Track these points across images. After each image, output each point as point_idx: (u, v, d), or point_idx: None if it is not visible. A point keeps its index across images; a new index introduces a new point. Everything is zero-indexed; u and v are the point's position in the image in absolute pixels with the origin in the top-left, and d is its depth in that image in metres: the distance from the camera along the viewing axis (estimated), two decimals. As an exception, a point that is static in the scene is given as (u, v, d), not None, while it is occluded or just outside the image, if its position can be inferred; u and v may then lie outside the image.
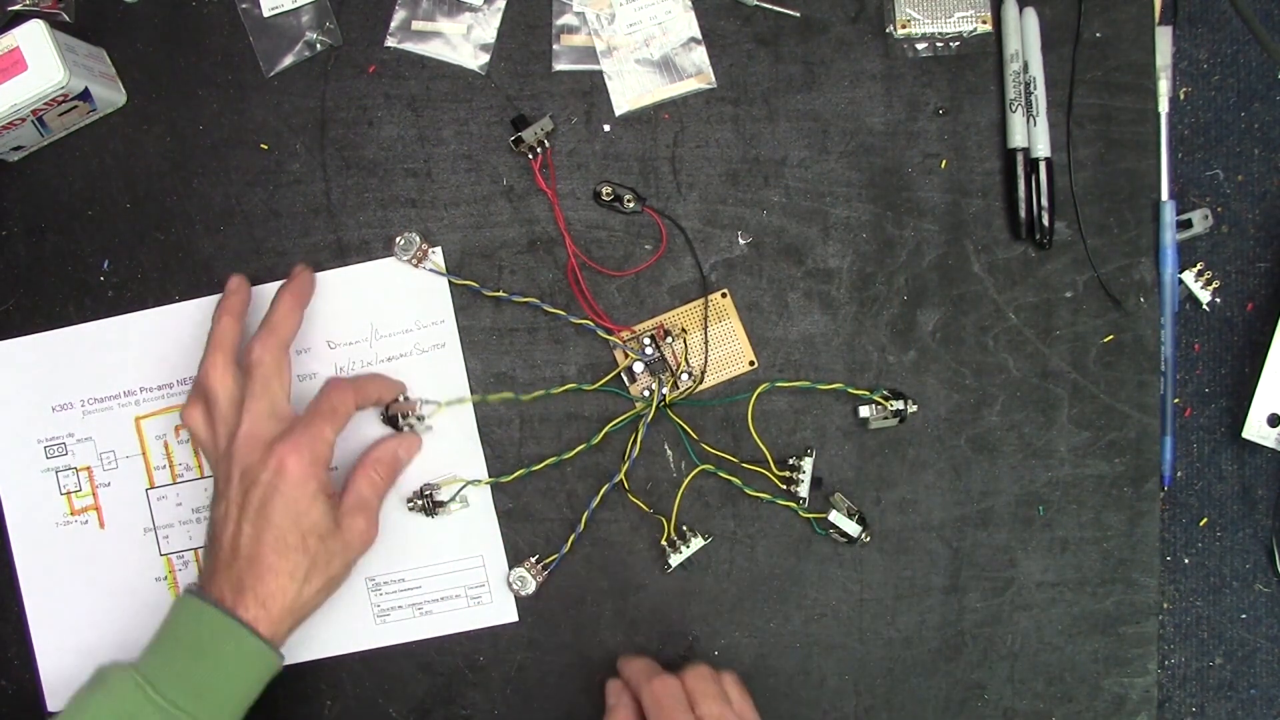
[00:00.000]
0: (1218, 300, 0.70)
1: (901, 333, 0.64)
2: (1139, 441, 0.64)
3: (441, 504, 0.63)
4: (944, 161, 0.64)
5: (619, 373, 0.63)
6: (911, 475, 0.64)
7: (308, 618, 0.58)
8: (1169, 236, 0.65)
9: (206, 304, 0.64)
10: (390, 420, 0.63)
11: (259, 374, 0.58)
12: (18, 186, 0.65)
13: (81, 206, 0.65)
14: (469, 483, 0.63)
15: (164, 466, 0.65)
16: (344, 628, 0.64)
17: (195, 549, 0.65)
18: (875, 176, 0.64)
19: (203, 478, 0.65)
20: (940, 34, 0.63)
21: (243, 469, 0.56)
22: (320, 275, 0.64)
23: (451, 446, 0.64)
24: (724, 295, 0.64)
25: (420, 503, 0.63)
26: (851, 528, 0.62)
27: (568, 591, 0.64)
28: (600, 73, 0.64)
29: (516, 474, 0.63)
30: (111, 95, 0.63)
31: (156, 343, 0.64)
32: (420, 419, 0.63)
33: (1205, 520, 0.70)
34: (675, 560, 0.63)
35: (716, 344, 0.64)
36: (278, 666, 0.56)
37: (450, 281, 0.64)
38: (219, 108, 0.65)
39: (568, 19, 0.64)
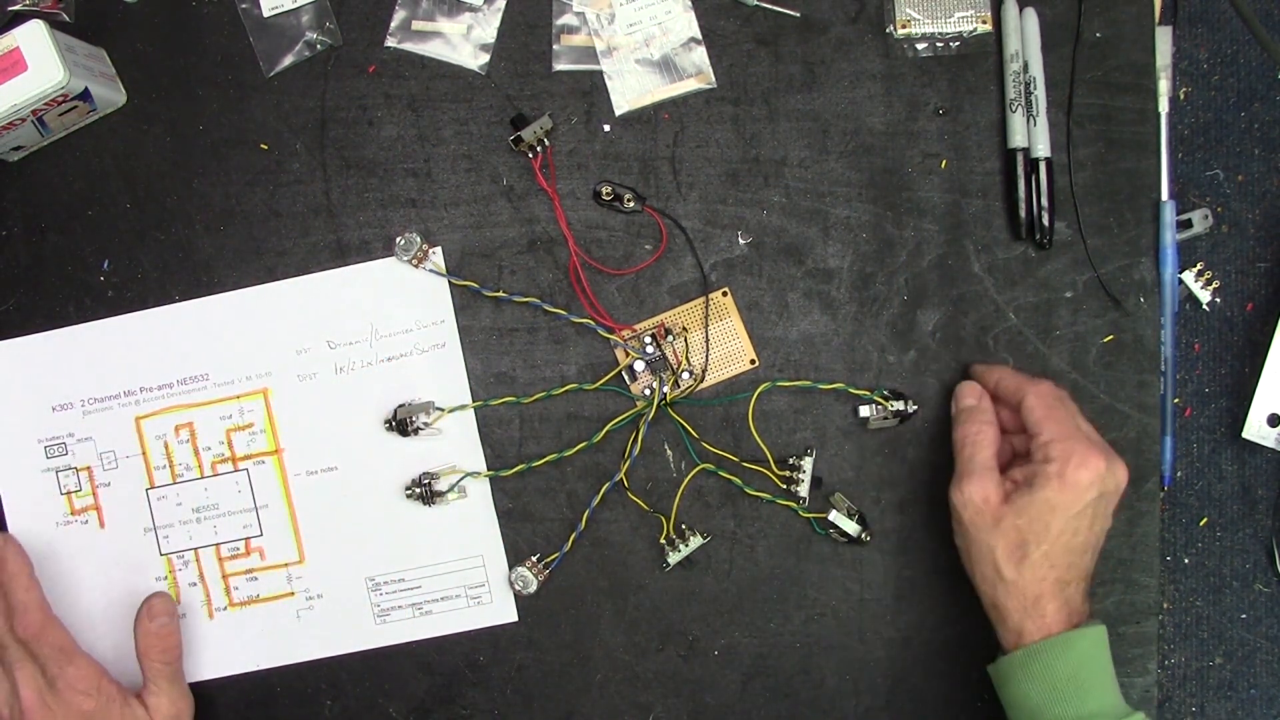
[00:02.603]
0: (1218, 300, 0.70)
1: (901, 333, 0.64)
2: (1139, 441, 0.64)
3: (440, 494, 0.63)
4: (944, 161, 0.64)
5: (619, 371, 0.63)
6: (911, 475, 0.64)
7: None
8: (1169, 236, 0.65)
9: (206, 304, 0.64)
10: (399, 426, 0.63)
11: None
12: (18, 186, 0.65)
13: (81, 206, 0.65)
14: (468, 474, 0.63)
15: (164, 466, 0.65)
16: (344, 628, 0.64)
17: (195, 549, 0.65)
18: (875, 176, 0.64)
19: (203, 478, 0.65)
20: (940, 34, 0.63)
21: None
22: (320, 275, 0.64)
23: (452, 446, 0.64)
24: (725, 294, 0.64)
25: (419, 490, 0.63)
26: (851, 528, 0.62)
27: (567, 591, 0.64)
28: (600, 73, 0.64)
29: (517, 468, 0.63)
30: (111, 95, 0.63)
31: (156, 343, 0.64)
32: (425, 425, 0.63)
33: (1205, 520, 0.70)
34: (674, 559, 0.63)
35: (717, 342, 0.64)
36: None
37: (450, 281, 0.64)
38: (219, 108, 0.65)
39: (568, 19, 0.64)
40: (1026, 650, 0.55)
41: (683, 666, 0.64)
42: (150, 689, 0.61)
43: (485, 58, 0.64)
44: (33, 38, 0.58)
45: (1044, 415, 0.57)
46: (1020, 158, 0.63)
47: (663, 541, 0.63)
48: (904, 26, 0.63)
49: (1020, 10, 0.63)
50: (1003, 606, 0.56)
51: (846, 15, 0.64)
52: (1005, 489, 0.56)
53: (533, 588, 0.63)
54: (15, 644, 0.59)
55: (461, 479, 0.63)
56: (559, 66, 0.64)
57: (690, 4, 0.64)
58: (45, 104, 0.60)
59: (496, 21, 0.64)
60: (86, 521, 0.65)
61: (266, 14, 0.64)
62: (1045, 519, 0.55)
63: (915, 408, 0.63)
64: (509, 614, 0.64)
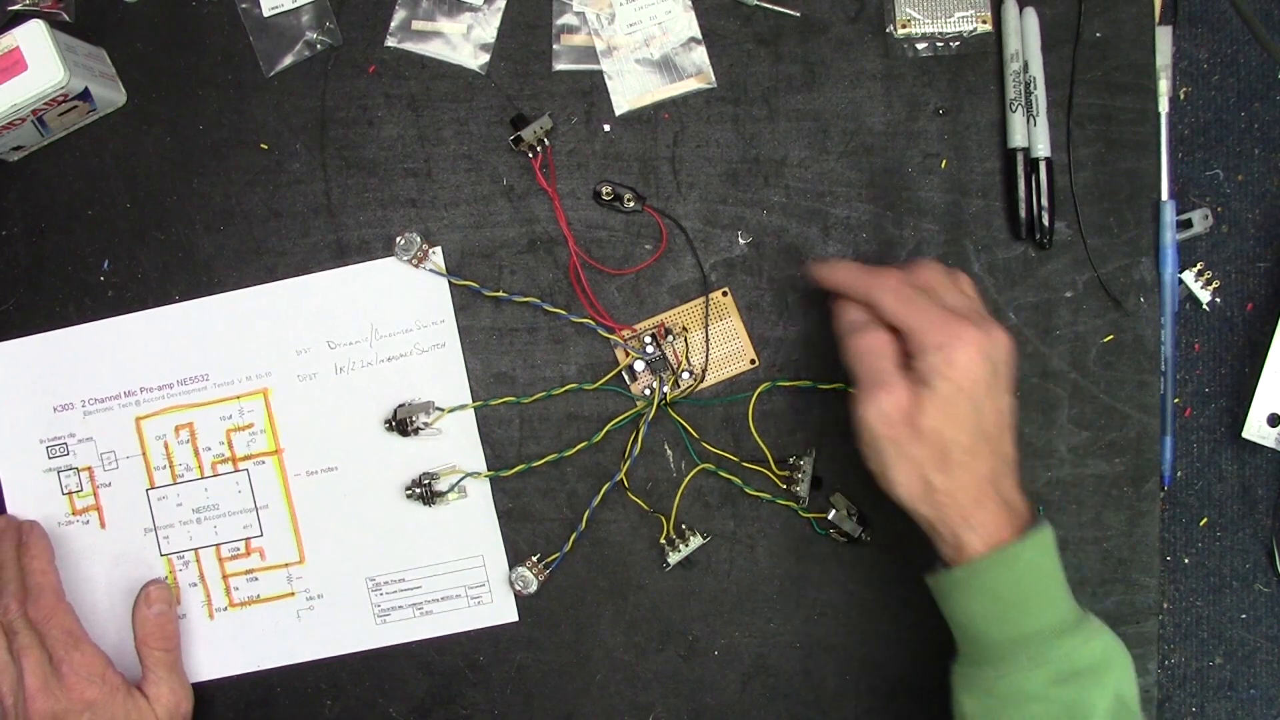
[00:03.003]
0: (1218, 300, 0.70)
1: (901, 333, 0.64)
2: (1139, 441, 0.64)
3: (440, 494, 0.63)
4: (944, 161, 0.64)
5: (619, 371, 0.63)
6: (911, 475, 0.64)
7: None
8: (1169, 236, 0.65)
9: (206, 304, 0.64)
10: (399, 426, 0.63)
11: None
12: (18, 186, 0.65)
13: (81, 206, 0.65)
14: (468, 474, 0.63)
15: (164, 467, 0.65)
16: (344, 628, 0.64)
17: (195, 549, 0.65)
18: (875, 176, 0.64)
19: (203, 478, 0.65)
20: (940, 34, 0.63)
21: None
22: (320, 275, 0.64)
23: (452, 445, 0.64)
24: (725, 294, 0.64)
25: (419, 491, 0.63)
26: (851, 527, 0.62)
27: (567, 591, 0.64)
28: (600, 73, 0.64)
29: (517, 468, 0.63)
30: (111, 95, 0.63)
31: (156, 343, 0.64)
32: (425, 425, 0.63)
33: (1205, 520, 0.70)
34: (674, 558, 0.63)
35: (717, 342, 0.64)
36: None
37: (450, 281, 0.64)
38: (219, 108, 0.65)
39: (568, 19, 0.64)
40: (966, 567, 0.51)
41: (683, 666, 0.65)
42: (150, 679, 0.61)
43: (485, 58, 0.64)
44: (33, 38, 0.58)
45: (902, 309, 0.52)
46: (1020, 158, 0.63)
47: (663, 541, 0.63)
48: (904, 26, 0.63)
49: (1020, 10, 0.63)
50: (938, 520, 0.52)
51: (846, 15, 0.64)
52: (913, 392, 0.52)
53: (533, 588, 0.63)
54: (26, 628, 0.59)
55: (461, 479, 0.63)
56: (559, 66, 0.64)
57: (690, 4, 0.64)
58: (45, 104, 0.60)
59: (496, 21, 0.64)
60: (88, 522, 0.65)
61: (266, 14, 0.64)
62: (954, 413, 0.50)
63: (915, 408, 0.63)
64: (509, 614, 0.64)
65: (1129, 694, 0.52)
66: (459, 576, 0.64)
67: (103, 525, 0.65)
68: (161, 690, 0.61)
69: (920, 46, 0.64)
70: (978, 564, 0.51)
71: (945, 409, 0.51)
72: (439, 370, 0.64)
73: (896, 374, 0.52)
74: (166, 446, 0.65)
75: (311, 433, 0.64)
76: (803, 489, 0.63)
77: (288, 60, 0.64)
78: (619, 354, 0.64)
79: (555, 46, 0.64)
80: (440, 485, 0.63)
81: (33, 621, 0.59)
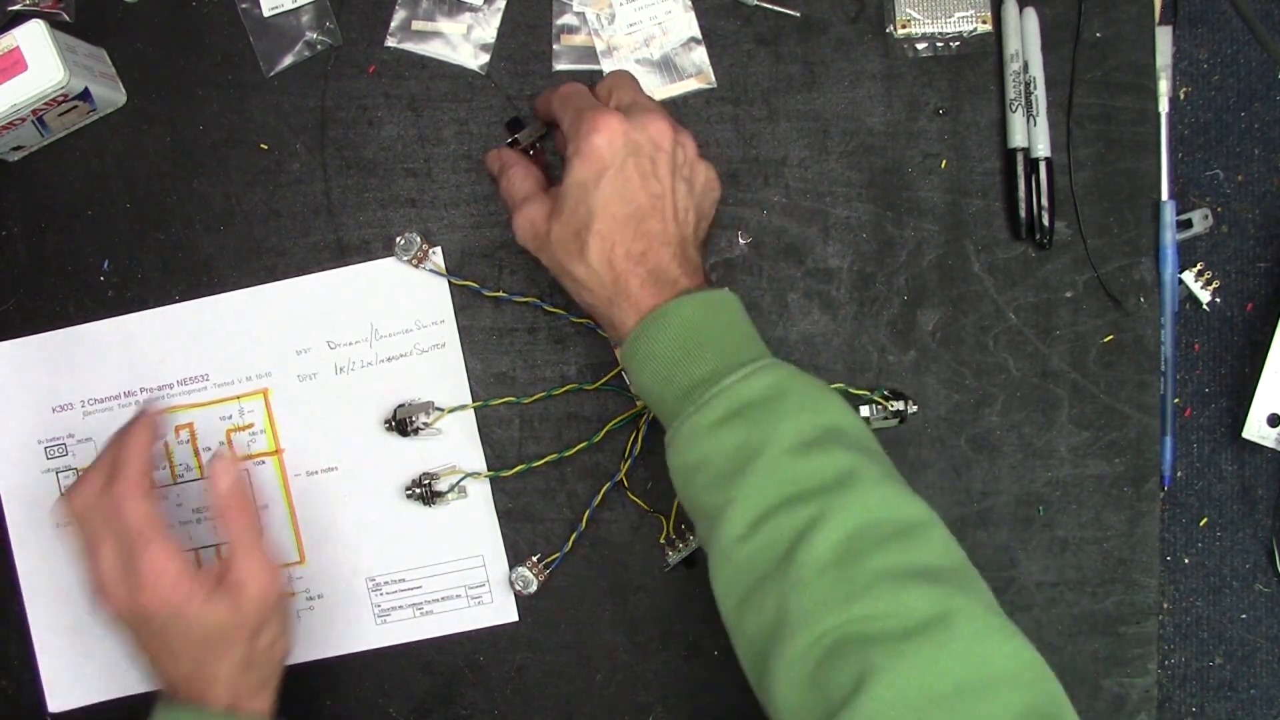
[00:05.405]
0: (1218, 300, 0.70)
1: (901, 333, 0.64)
2: (1139, 441, 0.64)
3: (440, 494, 0.63)
4: (944, 161, 0.64)
5: (619, 371, 0.63)
6: (911, 475, 0.64)
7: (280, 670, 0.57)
8: (1169, 236, 0.65)
9: (206, 304, 0.64)
10: (399, 426, 0.63)
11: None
12: (18, 186, 0.65)
13: (81, 206, 0.65)
14: (468, 474, 0.63)
15: (164, 467, 0.65)
16: (344, 628, 0.64)
17: (195, 549, 0.65)
18: (875, 176, 0.64)
19: (203, 478, 0.65)
20: (940, 34, 0.63)
21: (129, 605, 0.53)
22: (320, 275, 0.64)
23: (452, 446, 0.64)
24: (724, 295, 0.64)
25: (419, 491, 0.63)
26: (851, 528, 0.62)
27: (567, 591, 0.64)
28: (600, 73, 0.64)
29: (517, 468, 0.63)
30: (111, 95, 0.63)
31: (156, 343, 0.64)
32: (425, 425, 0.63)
33: (1205, 520, 0.70)
34: (674, 558, 0.63)
35: (716, 344, 0.64)
36: None
37: (450, 281, 0.64)
38: (219, 108, 0.65)
39: (568, 19, 0.64)
40: (626, 343, 0.52)
41: (683, 666, 0.65)
42: (235, 561, 0.54)
43: (485, 58, 0.64)
44: (33, 38, 0.58)
45: (558, 108, 0.55)
46: (1020, 158, 0.63)
47: (663, 541, 0.63)
48: (904, 26, 0.63)
49: (1020, 10, 0.63)
50: (593, 307, 0.54)
51: (846, 15, 0.64)
52: (552, 199, 0.54)
53: (533, 588, 0.63)
54: (104, 516, 0.53)
55: (461, 479, 0.63)
56: (559, 66, 0.64)
57: (690, 4, 0.64)
58: (45, 104, 0.60)
59: (496, 21, 0.64)
60: (86, 521, 0.65)
61: (266, 14, 0.64)
62: (584, 200, 0.52)
63: (915, 408, 0.63)
64: (509, 614, 0.64)
65: (841, 424, 0.49)
66: (459, 576, 0.64)
67: (103, 525, 0.65)
68: (251, 569, 0.54)
69: (920, 46, 0.64)
70: (631, 334, 0.51)
71: (574, 200, 0.52)
72: (439, 370, 0.64)
73: (531, 194, 0.56)
74: (166, 447, 0.65)
75: (311, 433, 0.64)
76: (803, 489, 0.63)
77: (288, 60, 0.64)
78: (619, 354, 0.64)
79: (555, 46, 0.64)
80: (440, 485, 0.63)
81: (114, 507, 0.53)
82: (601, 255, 0.52)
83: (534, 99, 0.62)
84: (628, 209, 0.52)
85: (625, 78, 0.58)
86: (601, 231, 0.52)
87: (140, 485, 0.53)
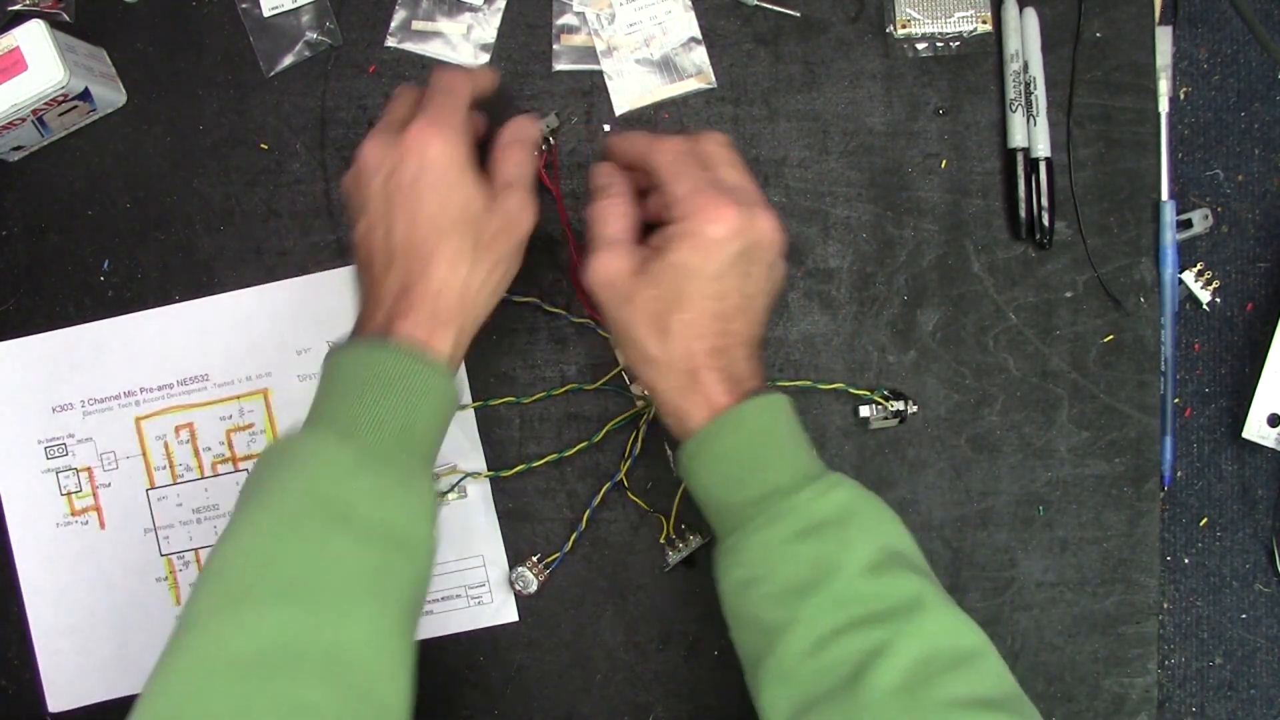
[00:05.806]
0: (1218, 300, 0.70)
1: (901, 333, 0.64)
2: (1139, 441, 0.64)
3: (440, 494, 0.63)
4: (944, 161, 0.64)
5: (619, 371, 0.63)
6: (911, 475, 0.64)
7: (480, 320, 0.54)
8: (1169, 236, 0.65)
9: (206, 304, 0.64)
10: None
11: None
12: (18, 186, 0.65)
13: (81, 206, 0.65)
14: (468, 474, 0.63)
15: (164, 467, 0.65)
16: (344, 628, 0.64)
17: (196, 549, 0.65)
18: (875, 176, 0.64)
19: (203, 478, 0.65)
20: (940, 34, 0.63)
21: (385, 174, 0.51)
22: (320, 275, 0.64)
23: (452, 446, 0.64)
24: (724, 295, 0.64)
25: (419, 496, 0.63)
26: (851, 528, 0.62)
27: (567, 591, 0.64)
28: (600, 73, 0.64)
29: (517, 468, 0.63)
30: (111, 95, 0.63)
31: (156, 343, 0.64)
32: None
33: (1205, 520, 0.70)
34: (674, 558, 0.63)
35: (716, 344, 0.63)
36: (453, 395, 0.52)
37: (450, 281, 0.64)
38: (219, 108, 0.65)
39: (568, 19, 0.64)
40: (693, 438, 0.50)
41: (683, 666, 0.65)
42: (500, 189, 0.53)
43: (485, 58, 0.64)
44: (33, 38, 0.58)
45: (671, 171, 0.51)
46: (1020, 158, 0.63)
47: (662, 541, 0.63)
48: (904, 26, 0.63)
49: (1020, 10, 0.63)
50: (659, 389, 0.51)
51: (846, 15, 0.64)
52: (642, 258, 0.51)
53: (533, 588, 0.63)
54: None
55: (461, 479, 0.63)
56: (559, 66, 0.64)
57: (690, 4, 0.64)
58: (45, 104, 0.60)
59: (496, 21, 0.64)
60: (87, 522, 0.65)
61: (266, 14, 0.64)
62: (681, 284, 0.49)
63: (915, 408, 0.63)
64: (509, 614, 0.64)
65: (901, 547, 0.50)
66: (459, 576, 0.64)
67: (102, 526, 0.65)
68: (509, 197, 0.53)
69: (920, 46, 0.64)
70: (701, 432, 0.50)
71: (672, 279, 0.49)
72: (439, 370, 0.64)
73: (618, 240, 0.52)
74: (167, 447, 0.65)
75: (311, 433, 0.64)
76: (803, 489, 0.63)
77: (288, 60, 0.64)
78: (619, 354, 0.64)
79: (555, 46, 0.64)
80: (440, 485, 0.63)
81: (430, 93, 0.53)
82: (683, 345, 0.50)
83: (610, 138, 0.58)
84: (721, 305, 0.50)
85: (727, 151, 0.54)
86: (688, 321, 0.50)
87: (454, 83, 0.54)
